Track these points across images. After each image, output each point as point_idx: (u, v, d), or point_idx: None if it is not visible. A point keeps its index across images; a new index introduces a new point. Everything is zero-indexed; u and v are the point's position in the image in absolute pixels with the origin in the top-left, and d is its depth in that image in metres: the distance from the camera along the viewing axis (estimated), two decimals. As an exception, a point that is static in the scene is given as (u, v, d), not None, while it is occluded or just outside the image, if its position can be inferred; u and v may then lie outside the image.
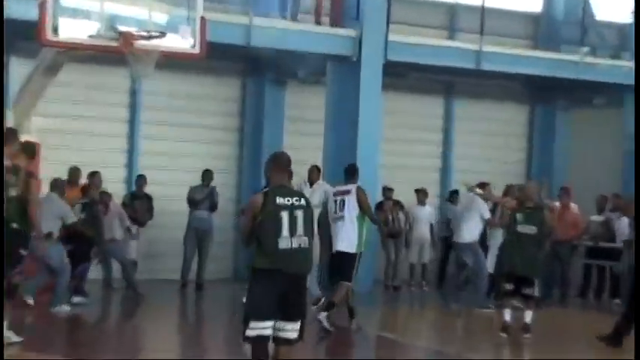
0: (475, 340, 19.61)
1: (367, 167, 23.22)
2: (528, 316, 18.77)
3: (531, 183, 21.52)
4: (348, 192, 19.06)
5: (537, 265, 19.20)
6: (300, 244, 11.38)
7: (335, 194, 19.38)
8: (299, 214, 11.42)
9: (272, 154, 12.39)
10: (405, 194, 24.41)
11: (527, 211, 18.99)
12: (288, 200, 11.49)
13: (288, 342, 11.47)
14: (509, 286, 18.84)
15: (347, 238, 18.57)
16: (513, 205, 19.62)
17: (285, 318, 11.31)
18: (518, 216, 19.05)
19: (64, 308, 18.80)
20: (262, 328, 11.23)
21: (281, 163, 11.96)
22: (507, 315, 18.69)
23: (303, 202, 11.67)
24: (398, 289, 25.04)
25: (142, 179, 23.78)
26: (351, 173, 19.42)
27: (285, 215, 11.31)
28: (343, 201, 19.04)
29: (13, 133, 16.10)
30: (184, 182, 23.26)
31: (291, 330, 11.39)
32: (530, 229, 18.77)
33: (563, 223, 22.78)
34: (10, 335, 15.14)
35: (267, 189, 11.73)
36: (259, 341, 11.34)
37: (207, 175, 22.91)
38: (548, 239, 19.81)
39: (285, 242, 11.27)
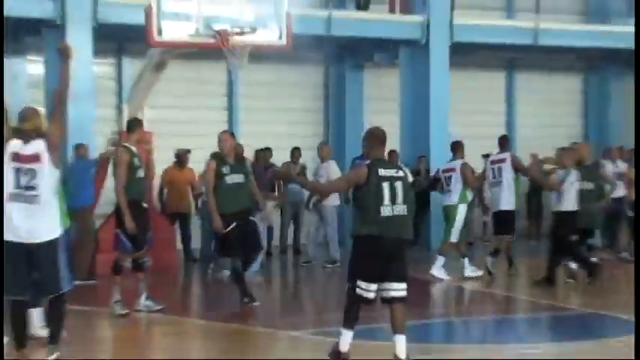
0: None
1: (439, 138, 23.82)
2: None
3: (583, 144, 21.42)
4: (453, 169, 19.71)
5: (596, 218, 19.33)
6: (399, 212, 11.31)
7: (492, 162, 20.01)
8: (398, 184, 11.31)
9: (369, 130, 12.32)
10: (474, 161, 24.56)
11: (584, 169, 18.93)
12: (389, 172, 11.42)
13: (400, 300, 11.32)
14: (573, 237, 18.65)
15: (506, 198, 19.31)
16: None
17: (392, 279, 11.28)
18: (577, 173, 18.77)
19: (225, 273, 18.82)
20: (367, 290, 11.20)
21: (379, 138, 11.85)
22: (573, 264, 18.83)
23: (401, 173, 11.60)
24: (472, 244, 24.74)
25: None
26: (457, 148, 20.17)
27: (386, 186, 11.22)
28: (500, 168, 19.58)
29: (137, 122, 16.30)
30: (278, 160, 23.07)
31: (398, 289, 11.31)
32: (587, 185, 18.80)
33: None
34: (149, 304, 15.34)
35: (368, 162, 11.56)
36: (361, 301, 11.26)
37: (295, 152, 22.77)
38: (607, 195, 19.70)
39: (387, 210, 11.21)
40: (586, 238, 19.09)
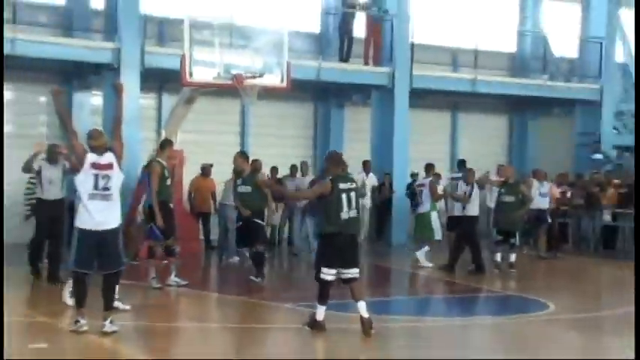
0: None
1: (400, 161, 24.03)
2: (512, 257, 18.97)
3: (508, 167, 21.68)
4: (423, 185, 19.94)
5: (517, 223, 19.45)
6: (353, 215, 11.58)
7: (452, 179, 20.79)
8: (352, 194, 11.57)
9: (329, 154, 12.71)
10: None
11: (508, 186, 19.18)
12: (346, 185, 11.61)
13: (354, 280, 11.60)
14: (499, 237, 19.25)
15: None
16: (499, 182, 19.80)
17: (347, 266, 11.51)
18: (502, 189, 19.23)
19: (235, 259, 18.78)
20: (327, 274, 11.46)
21: (337, 160, 12.13)
22: (498, 257, 18.99)
23: (354, 185, 11.84)
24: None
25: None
26: (428, 169, 20.33)
27: (344, 196, 11.47)
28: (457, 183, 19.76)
29: (169, 142, 16.46)
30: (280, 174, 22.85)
31: (353, 273, 11.55)
32: (509, 198, 18.97)
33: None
34: (178, 280, 15.50)
35: (331, 177, 11.74)
36: (324, 283, 11.54)
37: (293, 168, 22.69)
38: (525, 205, 19.50)
39: (345, 214, 11.46)
40: (509, 238, 19.08)
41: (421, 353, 11.10)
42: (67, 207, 15.62)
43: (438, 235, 19.95)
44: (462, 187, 19.12)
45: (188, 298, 15.34)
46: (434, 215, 19.86)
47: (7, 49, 19.96)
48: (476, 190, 18.89)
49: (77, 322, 11.04)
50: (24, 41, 20.30)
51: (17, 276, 15.78)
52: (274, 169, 22.52)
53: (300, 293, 15.03)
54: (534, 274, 20.08)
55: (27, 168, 15.32)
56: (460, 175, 20.29)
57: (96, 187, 10.97)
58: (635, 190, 19.67)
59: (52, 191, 15.33)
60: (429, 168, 20.43)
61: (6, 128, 22.15)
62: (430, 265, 19.28)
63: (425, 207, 19.83)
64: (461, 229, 18.94)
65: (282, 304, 14.37)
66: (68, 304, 12.20)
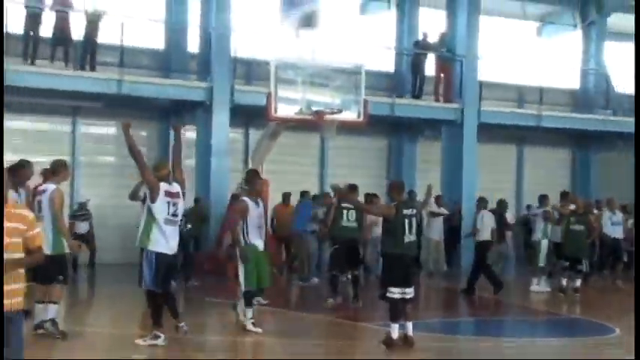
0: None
1: (468, 191, 23.80)
2: (578, 282, 18.45)
3: (578, 198, 20.80)
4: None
5: (584, 250, 18.86)
6: (412, 239, 11.65)
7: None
8: (413, 220, 11.61)
9: (392, 182, 13.14)
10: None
11: (577, 215, 18.79)
12: (408, 211, 11.61)
13: (411, 300, 11.62)
14: (565, 263, 18.67)
15: None
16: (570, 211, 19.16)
17: (407, 285, 11.47)
18: (572, 219, 18.76)
19: (314, 280, 19.14)
20: (396, 292, 11.31)
21: (399, 187, 12.13)
22: (564, 282, 18.53)
23: (415, 212, 11.84)
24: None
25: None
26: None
27: (407, 221, 11.50)
28: None
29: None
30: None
31: (410, 293, 11.48)
32: (579, 227, 18.58)
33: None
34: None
35: (395, 203, 11.82)
36: (396, 301, 11.36)
37: (367, 197, 21.99)
38: (593, 234, 19.18)
39: (407, 237, 11.48)
40: (576, 265, 18.65)
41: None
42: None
43: (542, 261, 19.39)
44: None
45: (267, 315, 15.01)
46: (544, 243, 19.33)
47: (113, 90, 20.46)
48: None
49: (157, 337, 11.13)
50: (129, 82, 20.69)
51: (121, 293, 16.09)
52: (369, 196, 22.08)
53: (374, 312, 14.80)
54: (603, 300, 19.20)
55: (133, 196, 15.30)
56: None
57: (169, 213, 11.01)
58: (635, 191, 18.66)
59: None
60: (544, 199, 19.91)
61: (111, 159, 22.48)
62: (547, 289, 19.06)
63: (537, 235, 19.48)
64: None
65: (361, 323, 14.20)
66: (250, 329, 12.15)
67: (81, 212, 20.67)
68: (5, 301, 5.96)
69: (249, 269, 12.04)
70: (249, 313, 12.05)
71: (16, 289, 6.09)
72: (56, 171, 11.43)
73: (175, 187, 11.15)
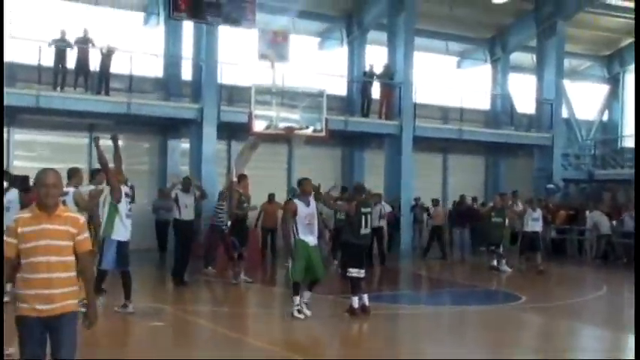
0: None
1: (405, 191, 23.74)
2: (503, 262, 18.68)
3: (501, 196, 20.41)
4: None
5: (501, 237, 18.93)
6: (367, 232, 11.67)
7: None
8: (369, 216, 11.57)
9: (356, 184, 12.85)
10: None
11: (497, 210, 19.02)
12: (366, 209, 11.59)
13: (363, 278, 11.49)
14: (491, 247, 18.99)
15: None
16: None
17: (362, 267, 11.40)
18: (492, 213, 19.00)
19: None
20: (354, 272, 11.28)
21: (360, 189, 12.22)
22: (494, 262, 18.80)
23: (370, 209, 11.80)
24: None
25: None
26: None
27: (363, 217, 11.43)
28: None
29: (244, 176, 16.34)
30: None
31: (363, 273, 11.36)
32: (498, 220, 18.87)
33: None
34: (246, 277, 15.31)
35: (356, 202, 11.56)
36: (355, 278, 11.34)
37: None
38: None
39: (363, 230, 11.44)
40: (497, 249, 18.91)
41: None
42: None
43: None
44: None
45: (252, 290, 15.25)
46: None
47: (123, 110, 20.35)
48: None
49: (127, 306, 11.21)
50: (136, 104, 20.58)
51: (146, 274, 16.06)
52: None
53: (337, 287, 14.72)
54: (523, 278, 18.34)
55: (161, 194, 15.35)
56: None
57: (128, 209, 11.15)
58: (635, 192, 18.55)
59: (186, 213, 14.97)
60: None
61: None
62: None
63: None
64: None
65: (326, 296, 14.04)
66: (296, 316, 11.08)
67: None
68: (59, 304, 5.18)
69: (297, 264, 10.92)
70: (297, 300, 10.99)
71: (69, 292, 5.24)
72: (71, 176, 11.26)
73: (126, 189, 11.26)
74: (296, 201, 11.22)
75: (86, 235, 5.36)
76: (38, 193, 5.24)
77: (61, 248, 5.17)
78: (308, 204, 11.15)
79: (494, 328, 11.57)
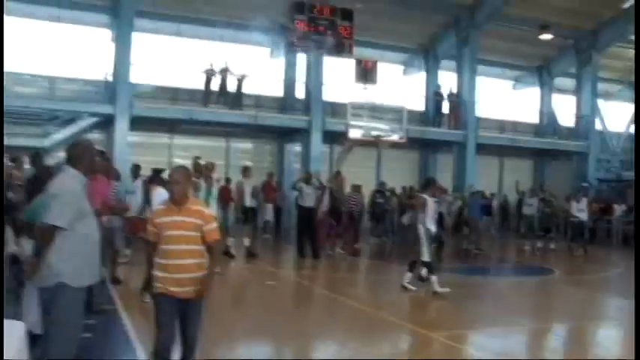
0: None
1: (471, 185, 23.08)
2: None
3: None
4: None
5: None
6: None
7: None
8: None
9: (428, 179, 11.09)
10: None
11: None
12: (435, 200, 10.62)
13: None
14: None
15: None
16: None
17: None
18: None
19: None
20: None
21: (433, 183, 10.81)
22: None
23: (437, 199, 10.78)
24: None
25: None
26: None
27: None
28: None
29: (340, 173, 16.02)
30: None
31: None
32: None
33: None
34: (342, 251, 15.03)
35: (428, 194, 10.18)
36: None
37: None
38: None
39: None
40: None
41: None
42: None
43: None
44: None
45: (346, 260, 14.66)
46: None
47: (252, 121, 20.83)
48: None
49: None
50: (261, 116, 21.20)
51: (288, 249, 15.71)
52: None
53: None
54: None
55: (294, 187, 15.17)
56: None
57: None
58: (635, 191, 17.45)
59: (308, 201, 14.42)
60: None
61: (249, 163, 22.97)
62: None
63: None
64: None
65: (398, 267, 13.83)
66: (438, 290, 9.85)
67: None
68: (188, 288, 4.61)
69: (427, 247, 9.89)
70: (434, 278, 9.87)
71: (198, 278, 4.64)
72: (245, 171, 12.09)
73: None
74: (425, 196, 10.11)
75: (214, 225, 4.74)
76: (168, 190, 4.81)
77: (190, 238, 4.64)
78: (435, 199, 10.42)
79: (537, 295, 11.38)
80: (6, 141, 16.27)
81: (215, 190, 11.38)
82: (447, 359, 6.47)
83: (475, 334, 7.80)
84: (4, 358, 3.23)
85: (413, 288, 10.11)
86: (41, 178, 5.33)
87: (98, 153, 6.45)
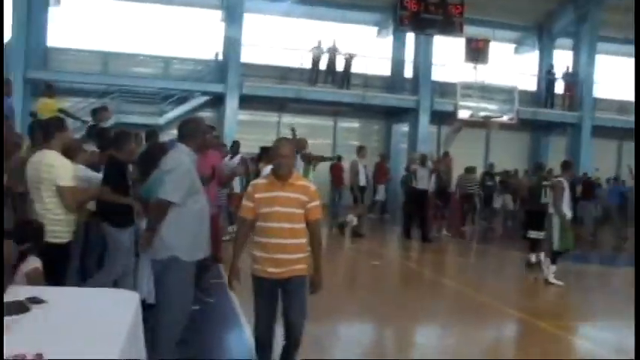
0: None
1: (586, 169, 22.27)
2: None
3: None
4: None
5: None
6: (547, 201, 10.09)
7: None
8: (548, 188, 10.40)
9: (566, 162, 10.20)
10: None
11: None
12: (546, 182, 10.70)
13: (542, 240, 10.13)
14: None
15: None
16: None
17: (542, 230, 10.04)
18: None
19: None
20: (535, 234, 10.42)
21: (570, 165, 10.19)
22: None
23: (549, 182, 10.50)
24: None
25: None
26: None
27: (543, 188, 10.71)
28: None
29: (448, 154, 15.80)
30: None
31: (543, 235, 10.03)
32: None
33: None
34: (446, 233, 14.76)
35: (537, 176, 10.67)
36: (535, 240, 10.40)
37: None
38: None
39: (543, 199, 10.41)
40: None
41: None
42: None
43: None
44: None
45: (452, 243, 14.38)
46: None
47: (359, 100, 20.86)
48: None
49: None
50: (369, 96, 21.21)
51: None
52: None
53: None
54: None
55: (407, 169, 14.90)
56: None
57: None
58: (635, 189, 15.68)
59: (421, 183, 13.74)
60: None
61: (356, 142, 23.12)
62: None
63: None
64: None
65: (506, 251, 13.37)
66: (553, 282, 9.45)
67: None
68: (288, 267, 4.31)
69: (561, 234, 9.33)
70: (554, 268, 9.46)
71: (299, 258, 4.33)
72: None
73: None
74: (562, 180, 9.46)
75: (317, 203, 4.35)
76: (274, 163, 4.36)
77: (293, 215, 4.29)
78: (570, 184, 9.85)
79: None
80: (124, 119, 17.54)
81: (311, 169, 10.92)
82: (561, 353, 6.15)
83: (588, 327, 7.43)
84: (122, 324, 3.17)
85: (560, 283, 9.44)
86: (153, 154, 5.49)
87: (209, 129, 6.57)
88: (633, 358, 4.64)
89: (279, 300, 4.42)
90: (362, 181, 13.62)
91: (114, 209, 5.63)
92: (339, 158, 16.61)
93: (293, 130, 10.41)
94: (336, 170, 15.51)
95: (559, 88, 23.88)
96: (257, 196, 4.34)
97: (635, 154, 15.10)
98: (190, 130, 4.59)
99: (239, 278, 4.41)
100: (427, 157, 14.55)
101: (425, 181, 13.89)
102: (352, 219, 13.62)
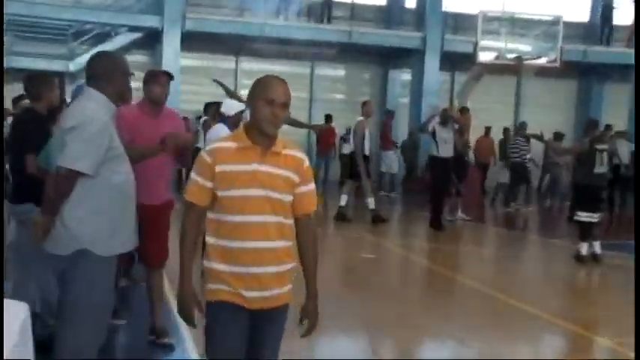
0: None
1: None
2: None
3: None
4: None
5: None
6: (603, 170, 10.67)
7: None
8: (604, 154, 10.64)
9: (589, 120, 11.18)
10: None
11: None
12: (601, 146, 10.66)
13: (598, 224, 10.63)
14: None
15: None
16: None
17: (595, 211, 10.56)
18: None
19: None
20: (587, 216, 10.49)
21: (594, 124, 11.09)
22: None
23: (606, 146, 10.85)
24: None
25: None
26: None
27: (598, 154, 10.60)
28: None
29: (466, 110, 15.77)
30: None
31: (597, 217, 10.57)
32: None
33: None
34: (463, 215, 14.77)
35: (589, 138, 10.65)
36: (584, 223, 10.56)
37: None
38: None
39: (598, 169, 10.57)
40: None
41: None
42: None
43: None
44: None
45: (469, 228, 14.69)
46: None
47: (344, 39, 20.88)
48: None
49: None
50: (357, 32, 21.12)
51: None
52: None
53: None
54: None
55: (422, 128, 14.69)
56: None
57: None
58: (634, 184, 15.80)
59: (445, 150, 13.43)
60: None
61: (341, 96, 22.84)
62: None
63: None
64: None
65: (547, 239, 13.61)
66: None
67: None
68: (274, 291, 3.44)
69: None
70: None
71: (287, 272, 3.49)
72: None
73: None
74: None
75: (311, 186, 3.54)
76: (257, 113, 3.39)
77: (279, 204, 3.42)
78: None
79: None
80: (17, 63, 17.19)
81: None
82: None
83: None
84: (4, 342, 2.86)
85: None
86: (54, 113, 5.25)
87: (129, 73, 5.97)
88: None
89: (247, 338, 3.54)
90: (367, 149, 13.51)
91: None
92: (329, 118, 16.53)
93: (218, 82, 10.34)
94: (326, 135, 15.41)
95: (619, 18, 23.88)
96: (219, 168, 3.38)
97: (636, 149, 15.12)
98: (105, 69, 4.26)
99: (201, 307, 3.53)
100: (449, 113, 14.15)
101: (449, 147, 13.56)
102: (371, 201, 13.67)
